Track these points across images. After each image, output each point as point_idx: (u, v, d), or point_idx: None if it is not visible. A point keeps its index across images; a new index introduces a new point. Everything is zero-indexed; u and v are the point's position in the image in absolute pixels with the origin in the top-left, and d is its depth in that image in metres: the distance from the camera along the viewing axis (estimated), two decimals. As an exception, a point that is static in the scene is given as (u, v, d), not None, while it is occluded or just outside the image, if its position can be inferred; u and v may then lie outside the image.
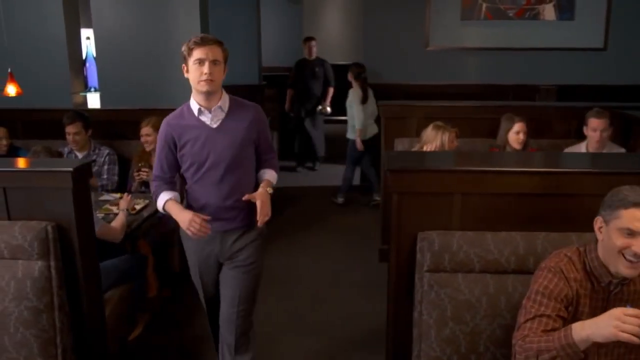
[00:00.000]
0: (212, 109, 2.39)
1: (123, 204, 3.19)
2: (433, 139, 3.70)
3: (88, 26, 5.00)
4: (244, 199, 2.38)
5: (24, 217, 2.32)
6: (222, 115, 2.41)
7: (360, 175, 6.33)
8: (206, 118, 2.40)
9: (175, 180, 2.54)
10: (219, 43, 2.37)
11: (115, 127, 4.13)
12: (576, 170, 2.14)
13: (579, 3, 5.41)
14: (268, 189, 2.45)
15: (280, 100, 7.39)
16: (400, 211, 2.16)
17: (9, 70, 3.41)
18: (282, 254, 4.57)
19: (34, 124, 4.21)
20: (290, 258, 4.54)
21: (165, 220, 3.60)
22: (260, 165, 2.57)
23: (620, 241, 1.66)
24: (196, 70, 2.33)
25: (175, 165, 2.49)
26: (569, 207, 2.12)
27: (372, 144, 5.42)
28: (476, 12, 5.55)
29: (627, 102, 4.54)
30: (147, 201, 3.48)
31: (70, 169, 2.24)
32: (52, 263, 2.29)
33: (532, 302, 1.77)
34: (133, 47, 4.06)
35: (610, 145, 3.84)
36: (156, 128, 3.87)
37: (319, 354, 3.21)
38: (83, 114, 3.94)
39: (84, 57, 4.80)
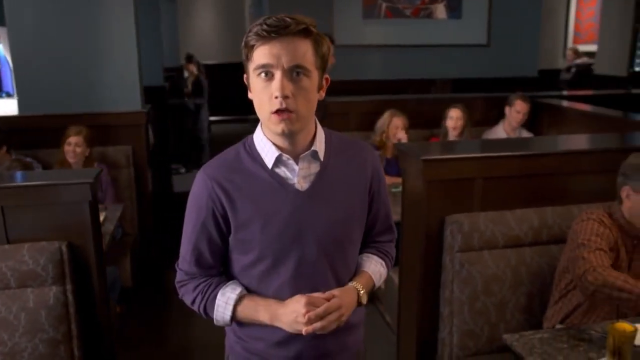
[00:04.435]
0: (301, 158, 1.33)
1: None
2: (382, 125, 3.88)
3: (-7, 23, 4.37)
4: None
5: (24, 239, 2.06)
6: (316, 169, 1.35)
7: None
8: (289, 173, 1.33)
9: (221, 272, 1.43)
10: (304, 31, 1.23)
11: (37, 135, 3.70)
12: (575, 150, 2.46)
13: (465, 3, 5.96)
14: (359, 288, 1.39)
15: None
16: (430, 198, 2.29)
17: None
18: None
19: None
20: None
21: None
22: (365, 247, 1.51)
23: None
24: (260, 87, 1.24)
25: (220, 256, 1.40)
26: (569, 183, 2.43)
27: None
28: (377, 10, 5.86)
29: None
30: (103, 213, 3.19)
31: (90, 181, 2.04)
32: (68, 287, 2.07)
33: (587, 240, 1.93)
34: (56, 47, 3.65)
35: (520, 129, 4.36)
36: (87, 139, 3.55)
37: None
38: None
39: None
